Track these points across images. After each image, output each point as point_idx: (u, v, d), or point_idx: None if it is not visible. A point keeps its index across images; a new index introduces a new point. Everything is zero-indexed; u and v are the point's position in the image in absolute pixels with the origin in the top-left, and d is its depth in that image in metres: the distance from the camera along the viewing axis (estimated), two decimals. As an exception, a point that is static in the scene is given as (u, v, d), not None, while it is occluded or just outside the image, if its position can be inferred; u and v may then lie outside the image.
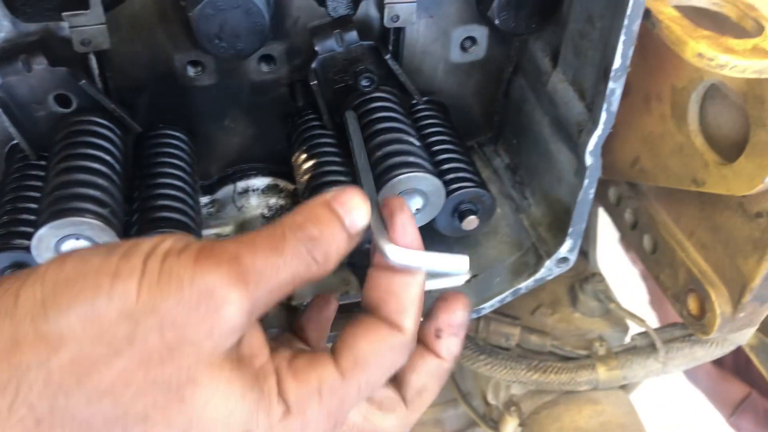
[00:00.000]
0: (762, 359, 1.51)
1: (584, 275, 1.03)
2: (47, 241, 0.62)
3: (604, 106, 0.62)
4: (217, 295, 0.44)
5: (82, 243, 0.63)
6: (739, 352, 2.81)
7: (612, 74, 0.60)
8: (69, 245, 0.63)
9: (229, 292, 0.44)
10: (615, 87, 0.61)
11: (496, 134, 0.90)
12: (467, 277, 0.56)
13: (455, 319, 0.55)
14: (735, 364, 2.59)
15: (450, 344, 0.55)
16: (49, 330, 0.43)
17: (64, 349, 0.43)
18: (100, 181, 0.67)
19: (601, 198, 0.97)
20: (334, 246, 0.49)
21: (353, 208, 0.50)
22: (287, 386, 0.48)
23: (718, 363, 2.59)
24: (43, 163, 0.72)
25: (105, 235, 0.63)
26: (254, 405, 0.46)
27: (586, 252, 1.10)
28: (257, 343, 0.49)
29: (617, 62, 0.59)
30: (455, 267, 0.52)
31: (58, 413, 0.43)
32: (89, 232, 0.63)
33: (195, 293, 0.44)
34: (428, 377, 0.55)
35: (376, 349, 0.50)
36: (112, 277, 0.44)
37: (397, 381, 0.55)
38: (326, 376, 0.49)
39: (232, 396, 0.46)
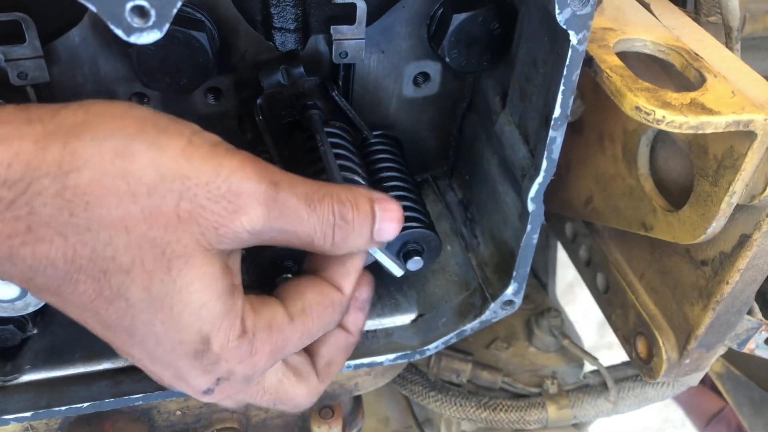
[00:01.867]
0: (727, 387, 1.51)
1: (541, 309, 1.02)
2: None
3: (545, 154, 0.62)
4: (243, 202, 0.46)
5: (9, 285, 0.62)
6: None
7: (552, 123, 0.59)
8: (-5, 285, 0.61)
9: (255, 206, 0.47)
10: (555, 135, 0.60)
11: (450, 168, 0.89)
12: (401, 273, 0.62)
13: (361, 295, 0.59)
14: (711, 380, 2.60)
15: (357, 319, 0.60)
16: (79, 148, 0.43)
17: (86, 170, 0.43)
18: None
19: (558, 233, 0.97)
20: (354, 239, 0.52)
21: (390, 220, 0.54)
22: (246, 314, 0.50)
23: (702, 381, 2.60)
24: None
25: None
26: (224, 311, 0.48)
27: (545, 284, 1.09)
28: (238, 265, 0.52)
29: (557, 111, 0.59)
30: (395, 270, 0.62)
31: (53, 228, 0.43)
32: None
33: (226, 186, 0.46)
34: (337, 350, 0.60)
35: (320, 302, 0.54)
36: (159, 130, 0.46)
37: (309, 352, 0.59)
38: (277, 316, 0.52)
39: (211, 291, 0.47)
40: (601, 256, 0.88)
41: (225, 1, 0.69)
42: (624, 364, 0.94)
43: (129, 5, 0.46)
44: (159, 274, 0.45)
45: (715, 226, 0.64)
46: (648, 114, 0.54)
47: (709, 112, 0.54)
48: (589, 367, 0.99)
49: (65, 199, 0.43)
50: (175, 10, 0.47)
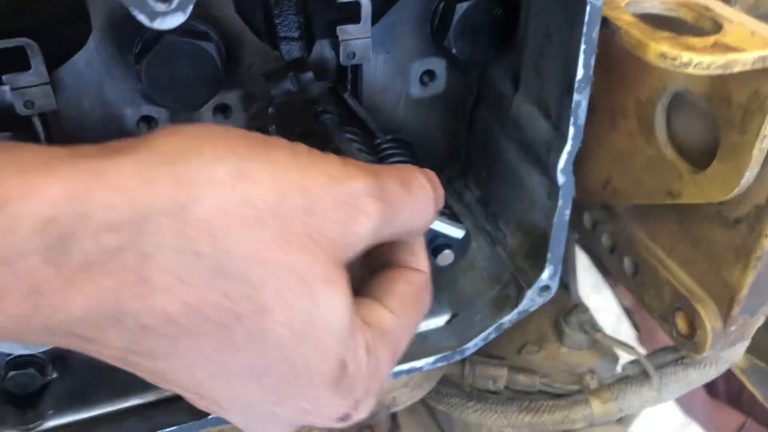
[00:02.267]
0: (753, 381, 1.48)
1: (568, 308, 1.00)
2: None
3: (571, 121, 0.61)
4: (362, 202, 0.43)
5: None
6: (730, 381, 2.80)
7: (576, 86, 0.59)
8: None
9: (371, 203, 0.43)
10: (580, 99, 0.60)
11: (464, 168, 0.88)
12: (463, 232, 0.62)
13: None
14: (728, 394, 2.57)
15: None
16: (192, 175, 0.37)
17: (206, 200, 0.37)
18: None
19: (576, 225, 0.95)
20: (431, 210, 0.51)
21: (439, 184, 0.53)
22: (363, 325, 0.47)
23: (713, 393, 2.57)
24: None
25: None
26: (353, 329, 0.44)
27: (567, 284, 1.08)
28: None
29: (580, 73, 0.58)
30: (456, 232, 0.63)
31: (172, 274, 0.37)
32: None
33: (343, 190, 0.42)
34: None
35: (414, 291, 0.52)
36: (263, 143, 0.41)
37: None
38: (383, 318, 0.48)
39: (348, 310, 0.43)
40: (625, 240, 0.86)
41: (229, 14, 0.69)
42: (661, 350, 0.92)
43: (151, -12, 0.45)
44: (302, 304, 0.40)
45: (749, 176, 0.63)
46: (674, 59, 0.54)
47: (735, 50, 0.54)
48: (624, 361, 0.97)
49: (187, 237, 0.37)
50: (197, -11, 0.46)
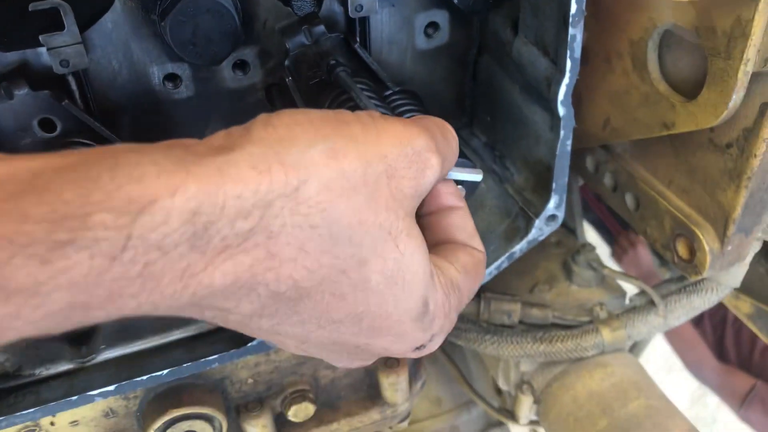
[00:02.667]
0: (759, 326, 1.53)
1: (575, 248, 1.05)
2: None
3: (568, 54, 0.65)
4: (424, 157, 0.49)
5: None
6: (741, 345, 2.83)
7: (571, 20, 0.63)
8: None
9: (432, 156, 0.50)
10: (575, 32, 0.64)
11: (469, 118, 0.93)
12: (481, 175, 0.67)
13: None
14: (739, 358, 2.62)
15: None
16: (294, 161, 0.43)
17: (312, 180, 0.43)
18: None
19: (579, 169, 1.00)
20: (455, 155, 0.58)
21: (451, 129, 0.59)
22: (437, 272, 0.53)
23: (724, 359, 2.62)
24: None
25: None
26: (431, 271, 0.51)
27: (573, 229, 1.12)
28: None
29: (574, 7, 0.63)
30: (475, 176, 0.66)
31: (294, 246, 0.43)
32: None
33: (411, 150, 0.48)
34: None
35: (475, 262, 0.58)
36: (340, 121, 0.47)
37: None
38: (455, 275, 0.55)
39: (425, 255, 0.50)
40: (626, 177, 0.91)
41: (243, -28, 0.73)
42: (666, 281, 0.97)
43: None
44: (391, 253, 0.47)
45: (735, 99, 0.67)
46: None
47: (715, -25, 0.58)
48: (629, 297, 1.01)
49: (302, 214, 0.43)
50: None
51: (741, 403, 2.60)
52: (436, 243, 0.59)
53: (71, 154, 0.39)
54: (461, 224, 0.60)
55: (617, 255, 2.63)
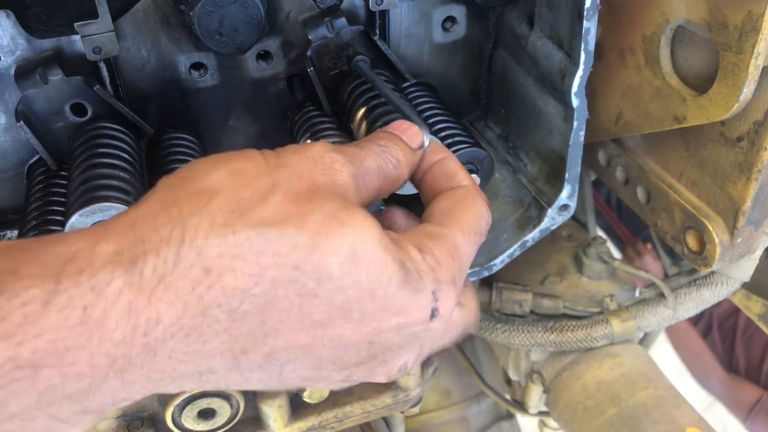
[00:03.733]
0: (769, 324, 1.53)
1: (586, 242, 1.07)
2: (78, 228, 0.66)
3: (582, 47, 0.67)
4: (327, 156, 0.51)
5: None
6: (751, 356, 2.81)
7: (585, 14, 0.65)
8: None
9: (335, 155, 0.51)
10: (589, 26, 0.66)
11: (484, 111, 0.95)
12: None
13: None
14: (748, 369, 2.61)
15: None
16: (199, 186, 0.45)
17: (218, 196, 0.44)
18: (123, 174, 0.71)
19: (591, 163, 1.02)
20: (402, 153, 0.57)
21: (406, 130, 0.59)
22: (408, 237, 0.52)
23: (733, 369, 2.61)
24: (64, 173, 0.76)
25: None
26: (395, 239, 0.49)
27: (584, 223, 1.14)
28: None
29: (588, 1, 0.65)
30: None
31: (227, 256, 0.42)
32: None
33: (310, 155, 0.50)
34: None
35: (453, 202, 0.56)
36: (241, 156, 0.49)
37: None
38: (429, 229, 0.53)
39: (374, 224, 0.48)
40: (637, 171, 0.93)
41: (268, -35, 0.76)
42: (675, 275, 0.99)
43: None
44: (337, 231, 0.45)
45: (746, 92, 0.69)
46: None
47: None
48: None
49: (220, 224, 0.43)
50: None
51: (747, 414, 2.59)
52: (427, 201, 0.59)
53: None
54: (442, 171, 0.59)
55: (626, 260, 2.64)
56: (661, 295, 0.96)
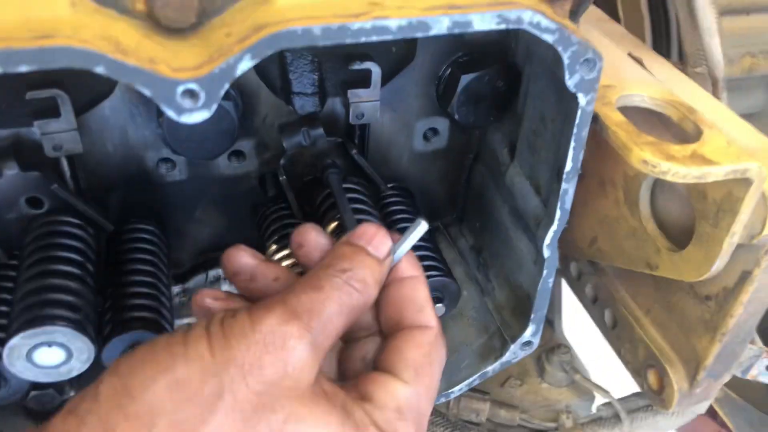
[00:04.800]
0: (726, 411, 1.54)
1: (551, 345, 1.06)
2: (19, 350, 0.63)
3: (558, 204, 0.66)
4: (279, 333, 0.47)
5: (55, 351, 0.64)
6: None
7: (564, 176, 0.64)
8: (41, 353, 0.64)
9: (288, 328, 0.48)
10: (567, 187, 0.65)
11: (460, 215, 0.93)
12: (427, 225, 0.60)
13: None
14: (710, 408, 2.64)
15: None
16: (139, 409, 0.44)
17: (159, 421, 0.43)
18: (72, 284, 0.68)
19: (563, 272, 1.00)
20: (368, 272, 0.54)
21: (372, 237, 0.56)
22: (373, 414, 0.50)
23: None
24: (14, 262, 0.73)
25: (78, 341, 0.64)
26: (343, 418, 0.48)
27: (552, 321, 1.13)
28: (329, 379, 0.52)
29: (569, 165, 0.63)
30: (422, 229, 0.59)
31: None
32: (62, 338, 0.64)
33: (260, 337, 0.47)
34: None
35: (425, 352, 0.54)
36: (182, 345, 0.46)
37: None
38: (400, 394, 0.52)
39: (332, 427, 0.47)
40: (607, 294, 0.92)
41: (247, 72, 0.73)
42: (634, 395, 0.98)
43: (180, 89, 0.50)
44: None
45: (718, 264, 0.68)
46: (654, 166, 0.59)
47: (710, 162, 0.59)
48: (600, 399, 1.02)
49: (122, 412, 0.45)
50: (222, 92, 0.50)
51: None
52: (387, 325, 0.57)
53: None
54: (410, 297, 0.57)
55: None
56: (617, 416, 0.96)
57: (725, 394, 1.45)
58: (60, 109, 0.67)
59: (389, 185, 0.86)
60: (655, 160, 0.59)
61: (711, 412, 2.68)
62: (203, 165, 0.79)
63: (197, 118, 0.51)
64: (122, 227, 0.79)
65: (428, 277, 0.77)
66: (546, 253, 0.70)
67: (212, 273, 0.87)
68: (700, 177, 0.59)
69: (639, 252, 0.79)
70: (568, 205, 0.66)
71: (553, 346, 1.05)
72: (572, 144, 0.61)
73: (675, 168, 0.58)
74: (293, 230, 0.80)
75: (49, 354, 0.65)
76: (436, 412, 0.97)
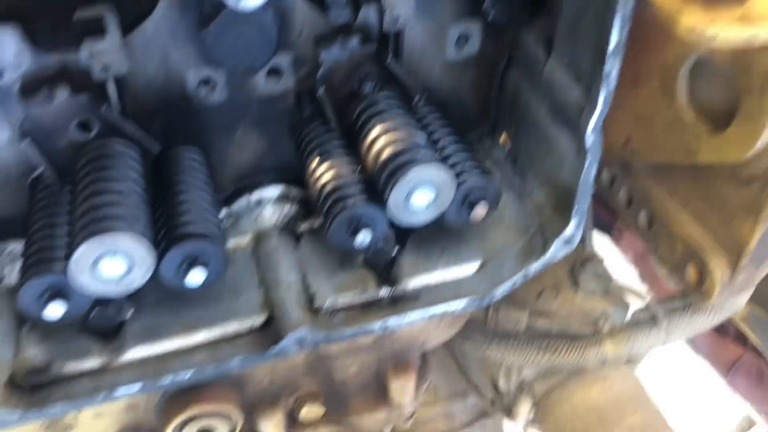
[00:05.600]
0: (753, 329, 1.57)
1: (583, 258, 1.07)
2: (84, 261, 0.64)
3: (603, 86, 0.66)
4: None
5: (118, 260, 0.65)
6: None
7: (608, 54, 0.64)
8: (105, 264, 0.65)
9: None
10: (612, 67, 0.65)
11: (493, 126, 0.94)
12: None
13: None
14: (737, 333, 2.69)
15: None
16: None
17: None
18: (130, 200, 0.69)
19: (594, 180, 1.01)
20: None
21: None
22: None
23: (721, 331, 2.68)
24: (67, 188, 0.74)
25: (140, 248, 0.65)
26: None
27: (582, 236, 1.14)
28: None
29: (613, 43, 0.64)
30: None
31: None
32: (125, 246, 0.65)
33: None
34: None
35: None
36: None
37: None
38: None
39: None
40: (641, 194, 0.93)
41: (283, -18, 0.73)
42: (669, 298, 0.99)
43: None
44: None
45: (764, 138, 0.69)
46: (701, 33, 0.59)
47: (759, 21, 0.59)
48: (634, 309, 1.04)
49: None
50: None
51: (728, 371, 2.68)
52: None
53: None
54: None
55: (616, 236, 2.65)
56: (654, 318, 0.97)
57: (751, 312, 1.47)
58: (107, 27, 0.67)
59: (422, 97, 0.86)
60: (701, 27, 0.59)
61: (739, 337, 2.72)
62: (242, 86, 0.79)
63: (255, 2, 0.52)
64: (167, 151, 0.80)
65: (470, 179, 0.78)
66: (590, 140, 0.71)
67: (254, 196, 0.87)
68: (749, 40, 0.59)
69: (678, 142, 0.80)
70: (612, 85, 0.67)
71: (586, 257, 1.06)
72: (618, 20, 0.62)
73: (723, 33, 0.59)
74: (332, 144, 0.82)
75: (112, 264, 0.66)
76: (473, 325, 0.99)
